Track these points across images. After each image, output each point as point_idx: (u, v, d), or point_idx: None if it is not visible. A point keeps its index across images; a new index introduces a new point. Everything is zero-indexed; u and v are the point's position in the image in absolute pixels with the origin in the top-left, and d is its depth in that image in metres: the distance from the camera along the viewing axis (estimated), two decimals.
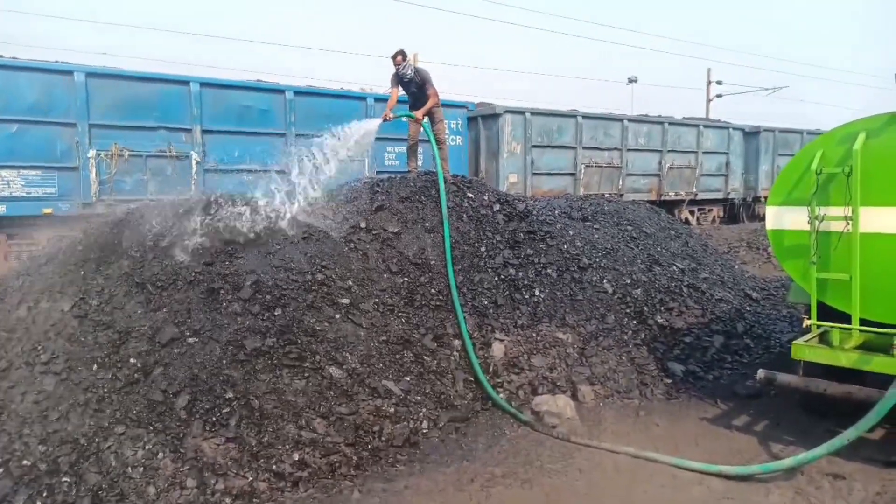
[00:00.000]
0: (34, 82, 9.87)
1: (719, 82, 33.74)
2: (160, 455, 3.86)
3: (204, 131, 11.15)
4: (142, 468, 3.77)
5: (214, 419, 4.15)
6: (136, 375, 4.23)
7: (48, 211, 10.02)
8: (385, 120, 8.47)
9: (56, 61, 10.72)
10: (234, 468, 3.96)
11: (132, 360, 4.30)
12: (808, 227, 4.71)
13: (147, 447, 3.87)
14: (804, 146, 5.07)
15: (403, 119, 8.36)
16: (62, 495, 3.51)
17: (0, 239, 10.02)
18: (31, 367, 4.14)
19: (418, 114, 8.06)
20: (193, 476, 3.82)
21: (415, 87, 8.17)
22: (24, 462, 3.61)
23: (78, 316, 4.48)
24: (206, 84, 11.27)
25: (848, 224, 4.51)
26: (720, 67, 78.89)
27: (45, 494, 3.49)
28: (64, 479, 3.59)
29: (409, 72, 8.04)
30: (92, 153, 10.22)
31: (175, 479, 3.78)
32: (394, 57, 8.01)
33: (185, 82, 11.10)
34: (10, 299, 4.77)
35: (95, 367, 4.20)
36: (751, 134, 20.40)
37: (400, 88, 8.25)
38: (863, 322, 4.54)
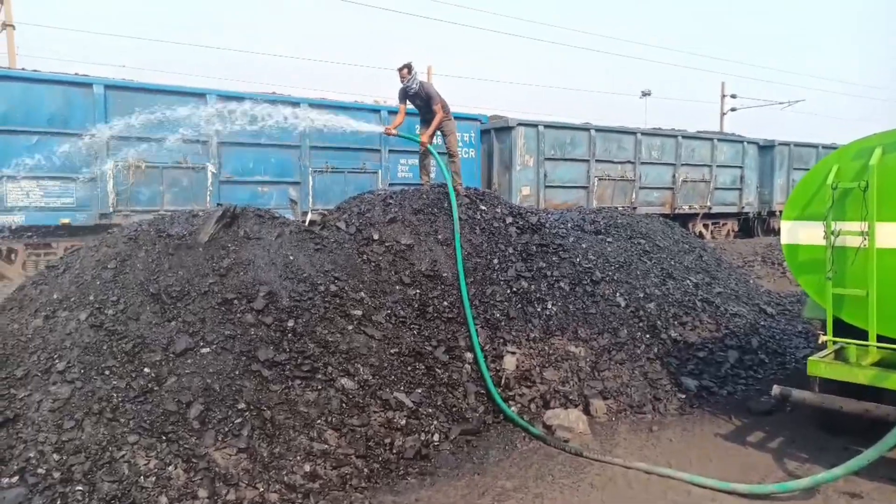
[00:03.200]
0: (55, 94, 10.06)
1: (733, 96, 33.78)
2: (172, 465, 3.88)
3: (220, 143, 11.29)
4: (154, 477, 3.78)
5: (227, 429, 4.17)
6: (149, 385, 4.26)
7: (65, 221, 10.17)
8: (386, 133, 8.79)
9: (76, 74, 10.90)
10: (246, 479, 3.96)
11: (146, 370, 4.33)
12: (823, 242, 4.67)
13: (160, 457, 3.89)
14: (819, 160, 5.04)
15: (418, 137, 8.46)
16: None
17: (18, 248, 10.17)
18: (47, 375, 4.18)
19: (424, 137, 8.15)
20: (205, 486, 3.83)
21: (420, 101, 8.24)
22: (39, 470, 3.63)
23: (94, 325, 4.52)
24: (222, 97, 11.42)
25: (864, 239, 4.47)
26: (734, 81, 79.02)
27: (59, 502, 3.51)
28: (77, 487, 3.61)
29: (415, 85, 8.06)
30: (110, 164, 10.37)
31: (187, 488, 3.79)
32: (400, 70, 8.07)
33: (201, 95, 11.26)
34: (27, 308, 4.84)
35: (110, 376, 4.23)
36: (765, 148, 20.30)
37: (408, 102, 8.32)
38: (880, 338, 4.49)
